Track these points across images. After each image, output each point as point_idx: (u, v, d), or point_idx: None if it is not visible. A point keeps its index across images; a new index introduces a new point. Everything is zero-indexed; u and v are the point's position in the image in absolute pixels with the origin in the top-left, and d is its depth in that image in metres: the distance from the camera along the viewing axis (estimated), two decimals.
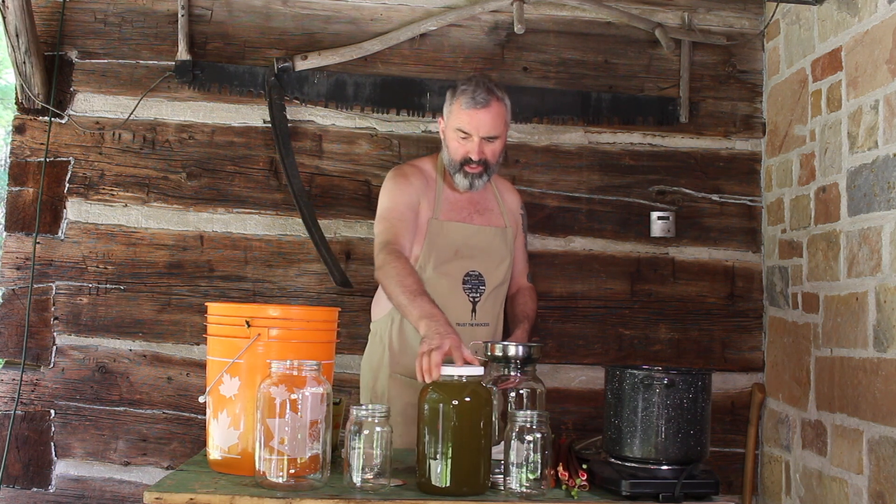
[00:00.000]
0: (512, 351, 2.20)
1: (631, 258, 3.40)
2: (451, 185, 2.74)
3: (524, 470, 1.89)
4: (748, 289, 3.43)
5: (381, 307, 2.79)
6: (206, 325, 2.15)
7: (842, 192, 2.87)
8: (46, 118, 3.25)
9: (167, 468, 3.18)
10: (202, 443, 2.71)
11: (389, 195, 2.69)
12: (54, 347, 3.22)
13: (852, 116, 2.83)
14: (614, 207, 3.41)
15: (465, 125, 2.61)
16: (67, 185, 3.26)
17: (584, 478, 1.96)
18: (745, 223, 3.45)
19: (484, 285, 2.69)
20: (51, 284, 3.23)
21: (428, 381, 2.01)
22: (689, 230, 3.42)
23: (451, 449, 1.86)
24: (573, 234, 3.39)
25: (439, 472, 1.87)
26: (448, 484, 1.87)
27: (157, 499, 1.81)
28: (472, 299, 2.67)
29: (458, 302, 2.65)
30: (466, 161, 2.64)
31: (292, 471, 1.86)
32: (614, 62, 3.45)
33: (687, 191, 3.44)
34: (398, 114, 3.35)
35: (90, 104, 3.29)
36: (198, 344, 3.22)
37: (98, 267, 3.25)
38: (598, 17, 3.44)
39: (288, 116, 3.31)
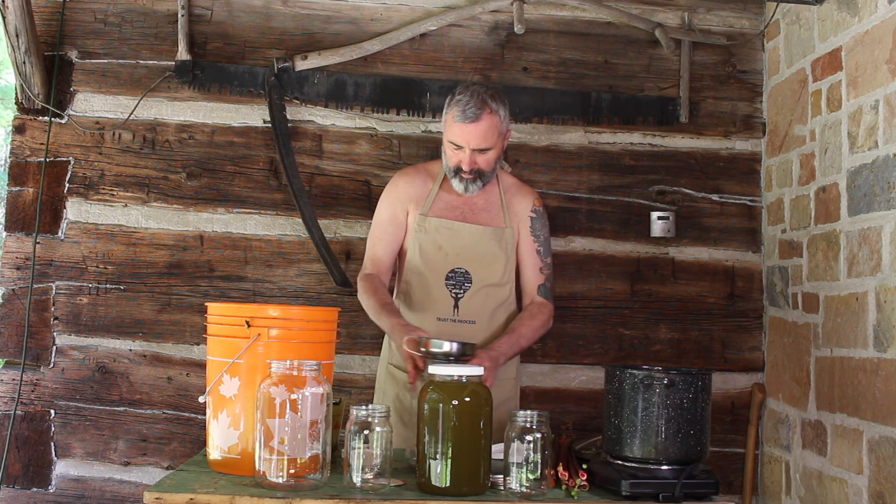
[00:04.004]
0: (446, 347, 2.24)
1: (631, 258, 3.40)
2: (451, 186, 2.77)
3: (524, 470, 1.89)
4: (748, 289, 3.43)
5: None
6: (206, 325, 2.15)
7: (842, 192, 2.87)
8: (46, 118, 3.25)
9: (167, 468, 3.18)
10: (202, 443, 2.71)
11: (379, 206, 2.83)
12: (54, 347, 3.22)
13: (852, 116, 2.82)
14: (614, 207, 3.41)
15: (455, 138, 2.63)
16: (67, 185, 3.26)
17: (584, 478, 1.95)
18: (745, 223, 3.45)
19: (470, 283, 2.71)
20: (51, 284, 3.23)
21: (410, 369, 2.38)
22: (689, 230, 3.42)
23: (451, 449, 1.86)
24: (573, 234, 3.40)
25: (439, 472, 1.87)
26: (448, 484, 1.86)
27: (157, 499, 1.80)
28: (454, 295, 2.70)
29: (440, 296, 2.70)
30: (459, 169, 2.67)
31: (292, 471, 1.86)
32: (614, 62, 3.45)
33: (687, 191, 3.43)
34: (398, 114, 3.35)
35: (90, 104, 3.28)
36: (198, 344, 3.22)
37: (98, 267, 3.25)
38: (598, 17, 3.43)
39: (288, 116, 3.31)
